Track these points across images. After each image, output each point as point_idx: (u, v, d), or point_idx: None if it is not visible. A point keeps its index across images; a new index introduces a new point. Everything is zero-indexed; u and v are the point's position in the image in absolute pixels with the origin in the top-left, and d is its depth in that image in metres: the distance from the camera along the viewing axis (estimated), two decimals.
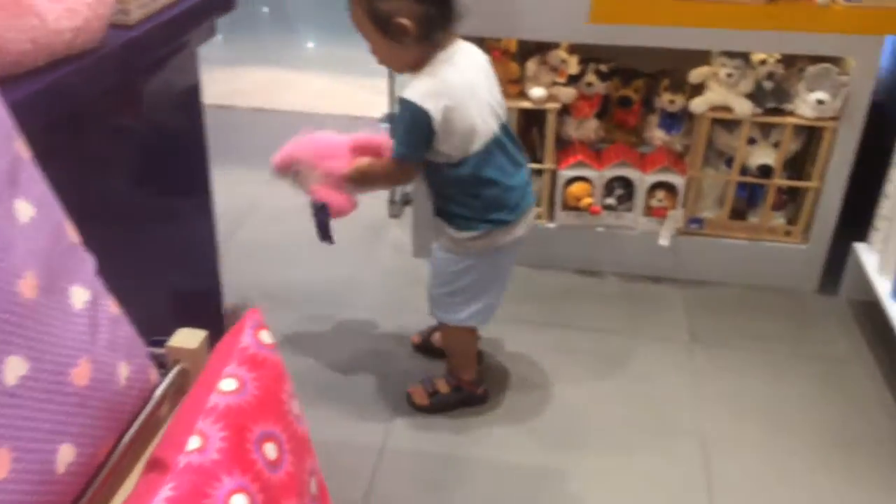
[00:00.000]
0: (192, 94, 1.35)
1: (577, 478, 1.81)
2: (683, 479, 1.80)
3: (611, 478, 1.81)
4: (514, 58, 2.34)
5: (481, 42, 2.29)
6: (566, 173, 2.44)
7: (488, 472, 1.81)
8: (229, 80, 3.81)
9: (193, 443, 0.77)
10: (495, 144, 1.68)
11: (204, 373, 0.86)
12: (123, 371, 0.91)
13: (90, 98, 0.98)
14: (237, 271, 2.43)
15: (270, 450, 0.82)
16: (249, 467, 0.78)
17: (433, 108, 1.59)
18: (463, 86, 1.63)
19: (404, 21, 1.54)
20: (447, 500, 1.75)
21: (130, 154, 1.22)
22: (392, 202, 2.83)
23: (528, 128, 2.49)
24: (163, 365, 1.02)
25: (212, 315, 1.66)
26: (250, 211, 2.83)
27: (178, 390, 0.94)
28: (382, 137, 1.79)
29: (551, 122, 2.38)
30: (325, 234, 1.78)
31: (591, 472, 1.82)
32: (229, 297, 2.12)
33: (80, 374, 0.84)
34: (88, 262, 0.92)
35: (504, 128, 1.72)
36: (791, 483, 1.80)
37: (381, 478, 1.79)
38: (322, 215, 1.77)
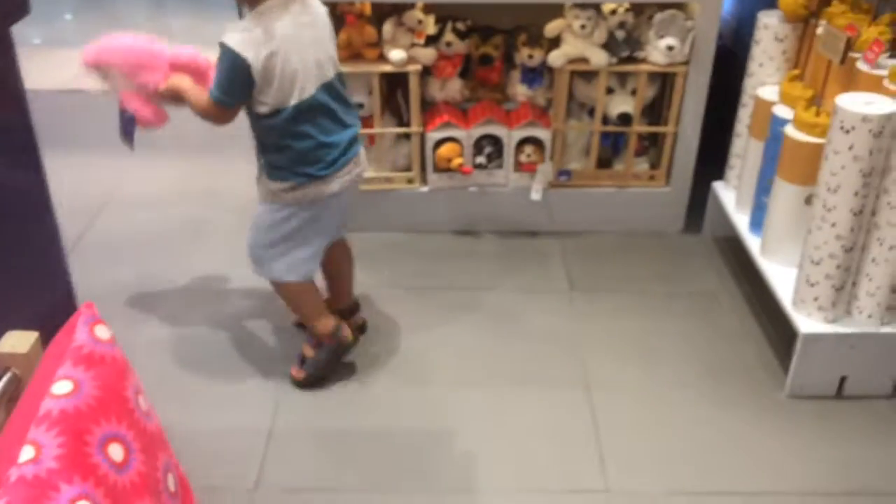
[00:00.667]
0: (7, 80, 1.24)
1: (466, 432, 1.82)
2: (570, 423, 1.85)
3: (500, 430, 1.83)
4: (371, 21, 2.30)
5: (334, 7, 2.25)
6: (434, 135, 2.42)
7: (378, 443, 1.80)
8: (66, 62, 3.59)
9: (26, 453, 0.72)
10: (315, 101, 1.68)
11: (35, 377, 0.81)
12: None
13: None
14: (98, 267, 2.32)
15: (116, 451, 0.78)
16: (91, 472, 0.73)
17: (252, 56, 1.59)
18: (287, 38, 1.61)
19: None
20: (338, 478, 1.73)
21: None
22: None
23: (391, 92, 2.46)
24: None
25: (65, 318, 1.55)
26: (107, 200, 2.69)
27: (11, 398, 0.87)
28: (206, 61, 1.76)
29: (414, 84, 2.35)
30: (128, 139, 1.80)
31: (480, 427, 1.84)
32: (90, 297, 2.01)
33: None
34: None
35: (330, 86, 1.71)
36: (671, 416, 1.87)
37: (270, 462, 1.76)
38: (129, 125, 1.77)
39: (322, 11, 1.73)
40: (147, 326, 2.14)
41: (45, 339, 0.93)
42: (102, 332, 0.86)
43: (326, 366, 1.93)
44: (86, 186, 2.72)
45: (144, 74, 1.73)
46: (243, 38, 1.60)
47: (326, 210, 1.80)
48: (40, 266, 1.47)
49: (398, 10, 2.31)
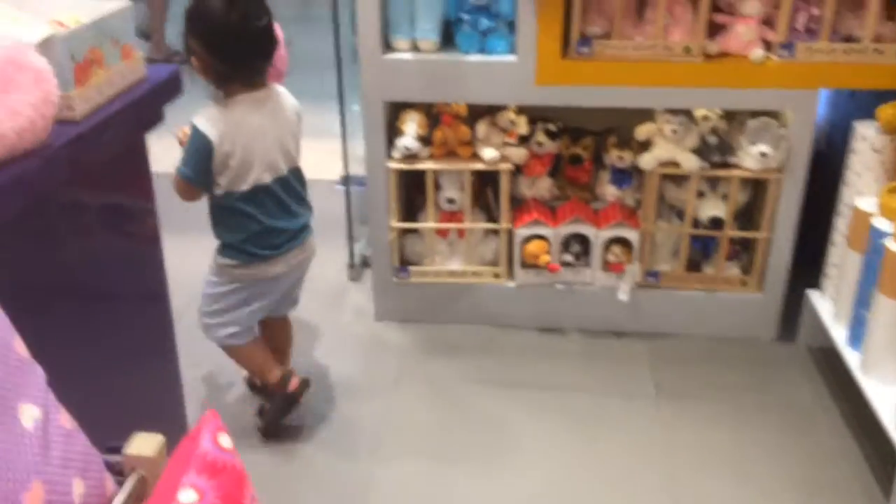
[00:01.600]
0: (141, 177, 1.32)
1: None
2: None
3: None
4: (465, 121, 2.37)
5: (431, 107, 2.34)
6: (522, 231, 2.45)
7: None
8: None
9: None
10: (267, 191, 1.81)
11: (161, 482, 0.84)
12: (78, 488, 0.87)
13: (36, 197, 0.95)
14: (194, 349, 2.38)
15: None
16: None
17: (216, 138, 1.72)
18: (251, 129, 1.75)
19: (195, 62, 1.72)
20: None
21: (78, 243, 1.18)
22: (351, 266, 2.81)
23: (482, 188, 2.51)
24: (120, 472, 0.99)
25: (174, 412, 1.61)
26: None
27: (138, 498, 0.90)
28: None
29: (505, 182, 2.40)
30: None
31: None
32: (189, 377, 2.07)
33: (34, 497, 0.80)
34: (38, 375, 0.89)
35: (284, 180, 1.85)
36: None
37: None
38: None
39: (292, 112, 1.87)
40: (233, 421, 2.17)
41: (148, 425, 0.97)
42: (225, 440, 0.89)
43: (276, 414, 2.03)
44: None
45: None
46: (210, 120, 1.73)
47: (268, 288, 1.93)
48: (156, 356, 1.52)
49: (492, 111, 2.37)
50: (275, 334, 2.13)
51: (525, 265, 2.49)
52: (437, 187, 2.43)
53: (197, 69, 1.73)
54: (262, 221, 1.84)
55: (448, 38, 2.27)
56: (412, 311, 2.56)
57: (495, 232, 2.48)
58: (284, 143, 1.84)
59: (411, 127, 2.34)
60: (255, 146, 1.76)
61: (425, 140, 2.37)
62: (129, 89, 1.17)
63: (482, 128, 2.36)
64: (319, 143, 3.65)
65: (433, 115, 2.37)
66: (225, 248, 1.90)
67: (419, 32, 2.24)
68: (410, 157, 2.37)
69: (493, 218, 2.49)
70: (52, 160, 0.96)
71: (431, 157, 2.38)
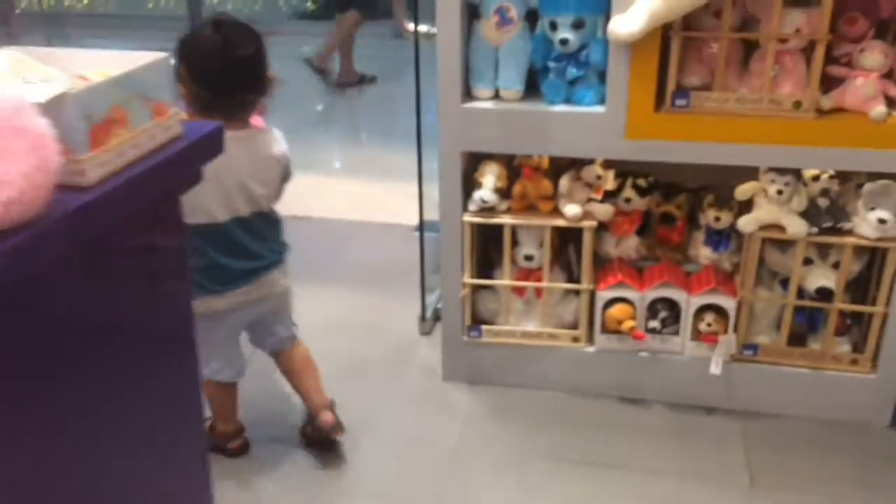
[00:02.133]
0: (175, 238, 1.21)
1: None
2: None
3: None
4: (547, 174, 2.21)
5: (511, 158, 2.20)
6: (605, 294, 2.27)
7: None
8: None
9: None
10: (222, 229, 1.82)
11: None
12: None
13: (25, 273, 0.85)
14: (257, 394, 2.30)
15: None
16: None
17: None
18: (210, 167, 1.69)
19: (182, 89, 1.71)
20: None
21: (96, 321, 1.09)
22: (423, 319, 2.68)
23: (563, 244, 2.34)
24: None
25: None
26: None
27: None
28: None
29: (588, 240, 2.23)
30: None
31: None
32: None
33: None
34: None
35: (243, 222, 1.85)
36: None
37: None
38: None
39: (270, 159, 1.86)
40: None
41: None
42: None
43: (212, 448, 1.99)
44: None
45: None
46: None
47: (218, 323, 1.90)
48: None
49: (576, 165, 2.21)
50: (287, 370, 2.12)
51: (607, 330, 2.30)
52: (515, 243, 2.28)
53: (183, 97, 1.73)
54: (209, 256, 1.83)
55: (533, 87, 2.13)
56: (483, 372, 2.40)
57: (576, 293, 2.31)
58: (248, 186, 1.83)
59: (490, 179, 2.20)
60: (208, 187, 1.67)
61: (504, 193, 2.23)
62: (159, 149, 1.07)
63: (565, 182, 2.20)
64: (396, 185, 3.62)
65: (513, 167, 2.23)
66: None
67: (502, 81, 2.11)
68: (487, 210, 2.23)
69: (573, 278, 2.32)
70: (45, 233, 0.86)
71: (510, 210, 2.24)
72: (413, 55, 2.40)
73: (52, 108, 0.90)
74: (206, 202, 1.77)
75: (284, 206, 3.46)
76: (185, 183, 1.17)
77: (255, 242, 1.89)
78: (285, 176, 1.95)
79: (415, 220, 2.75)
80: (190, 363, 1.30)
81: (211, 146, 1.15)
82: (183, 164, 1.11)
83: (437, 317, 2.68)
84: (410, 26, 2.32)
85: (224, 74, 1.72)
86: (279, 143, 1.90)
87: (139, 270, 1.14)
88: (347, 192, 3.80)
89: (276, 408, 2.31)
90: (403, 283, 2.76)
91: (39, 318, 0.97)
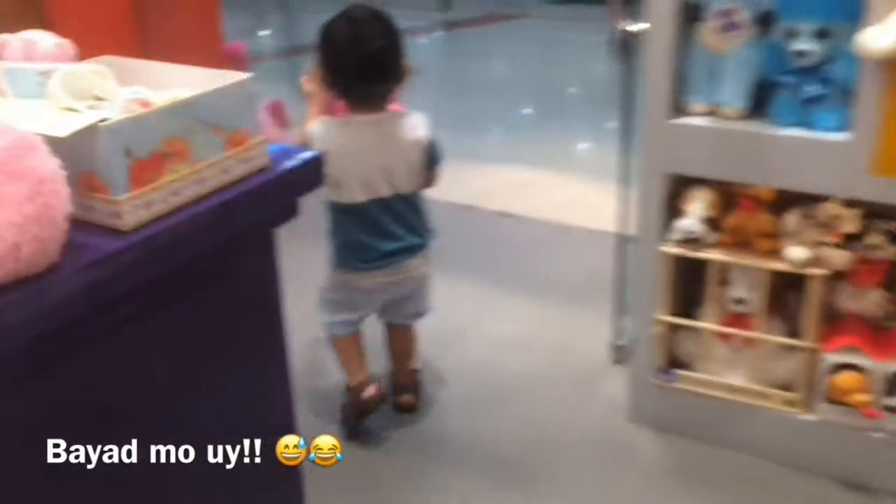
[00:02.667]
0: (262, 292, 1.09)
1: None
2: None
3: None
4: (770, 208, 1.86)
5: (726, 185, 1.88)
6: (833, 358, 1.88)
7: None
8: (476, 177, 3.66)
9: None
10: (361, 208, 1.87)
11: None
12: None
13: (36, 338, 0.77)
14: (438, 409, 2.22)
15: None
16: None
17: (320, 148, 1.75)
18: (347, 150, 1.81)
19: (320, 75, 1.83)
20: None
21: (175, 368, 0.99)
22: (617, 347, 2.42)
23: (783, 291, 1.97)
24: None
25: None
26: (459, 335, 2.57)
27: None
28: None
29: (816, 290, 1.85)
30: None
31: None
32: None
33: None
34: None
35: (384, 203, 1.88)
36: None
37: None
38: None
39: (410, 142, 1.87)
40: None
41: None
42: None
43: (351, 413, 2.06)
44: (442, 313, 2.65)
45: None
46: (318, 133, 1.84)
47: (359, 298, 2.01)
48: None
49: (808, 200, 1.83)
50: (393, 342, 2.17)
51: (831, 399, 1.91)
52: (724, 282, 1.96)
53: (323, 82, 1.83)
54: (352, 234, 1.91)
55: (758, 105, 1.79)
56: (674, 420, 2.12)
57: (795, 349, 1.94)
58: (389, 167, 1.86)
59: (698, 206, 1.90)
60: (351, 168, 1.81)
61: (714, 224, 1.91)
62: (236, 183, 0.96)
63: (792, 220, 1.84)
64: (601, 187, 3.33)
65: (728, 195, 1.90)
66: (331, 256, 2.01)
67: (723, 96, 1.79)
68: (692, 241, 1.92)
69: (794, 330, 1.95)
70: (47, 290, 0.77)
71: (719, 245, 1.92)
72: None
73: (81, 142, 0.80)
74: (347, 182, 1.84)
75: (491, 201, 3.39)
76: (276, 218, 1.04)
77: (395, 223, 1.91)
78: (430, 160, 1.93)
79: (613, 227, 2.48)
80: (284, 389, 1.19)
81: (307, 177, 1.02)
82: (266, 199, 0.98)
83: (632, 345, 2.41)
84: (626, 23, 2.04)
85: (355, 67, 1.77)
86: (418, 128, 1.90)
87: (212, 309, 1.03)
88: (558, 190, 3.58)
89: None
90: (603, 300, 2.52)
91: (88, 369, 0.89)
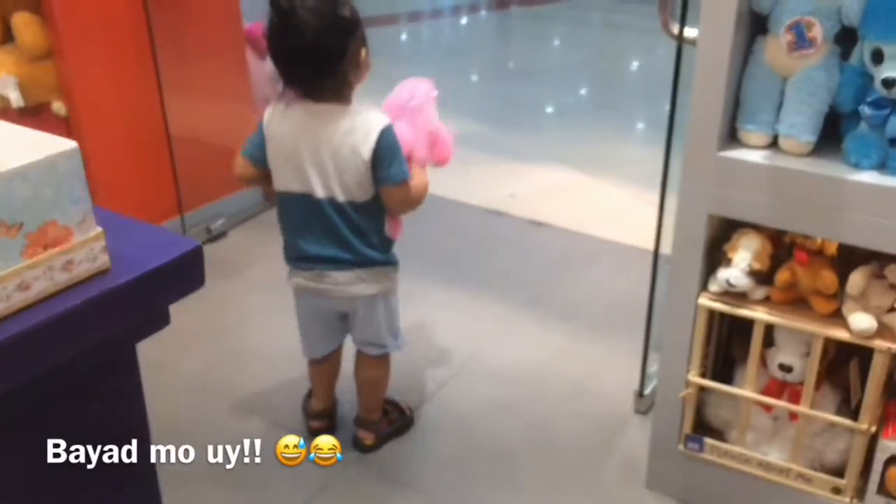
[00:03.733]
0: (121, 416, 0.82)
1: None
2: None
3: None
4: (832, 264, 1.55)
5: (780, 234, 1.57)
6: (893, 445, 1.57)
7: None
8: (508, 178, 3.36)
9: None
10: (292, 200, 1.73)
11: None
12: None
13: None
14: (421, 462, 1.94)
15: None
16: None
17: (265, 129, 1.73)
18: (282, 131, 1.70)
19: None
20: None
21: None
22: (640, 395, 2.13)
23: (840, 360, 1.67)
24: None
25: None
26: (465, 362, 2.30)
27: None
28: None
29: (880, 366, 1.54)
30: None
31: None
32: None
33: None
34: None
35: (318, 204, 1.70)
36: None
37: None
38: None
39: (347, 144, 1.66)
40: None
41: None
42: None
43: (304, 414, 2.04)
44: (453, 334, 2.38)
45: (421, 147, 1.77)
46: (268, 113, 1.73)
47: (298, 300, 1.87)
48: None
49: (881, 259, 1.51)
50: (355, 369, 1.98)
51: (886, 491, 1.61)
52: (769, 343, 1.66)
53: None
54: (283, 223, 1.79)
55: (830, 140, 1.46)
56: (699, 494, 1.85)
57: (849, 430, 1.63)
58: (322, 165, 1.68)
59: (744, 256, 1.59)
60: (282, 152, 1.71)
61: (762, 278, 1.60)
62: (48, 298, 0.68)
63: (858, 279, 1.53)
64: (644, 196, 3.00)
65: (782, 244, 1.59)
66: None
67: (786, 126, 1.48)
68: (735, 296, 1.62)
69: (849, 407, 1.64)
70: None
71: (768, 301, 1.61)
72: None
73: None
74: (278, 167, 1.72)
75: (522, 207, 3.09)
76: (124, 337, 0.76)
77: (323, 231, 1.74)
78: (379, 176, 1.68)
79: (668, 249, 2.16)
80: None
81: (174, 278, 0.74)
82: (98, 320, 0.70)
83: None
84: (675, 27, 1.72)
85: (282, 63, 1.67)
86: (367, 133, 1.66)
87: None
88: (597, 197, 3.26)
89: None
90: (632, 331, 2.24)
91: None
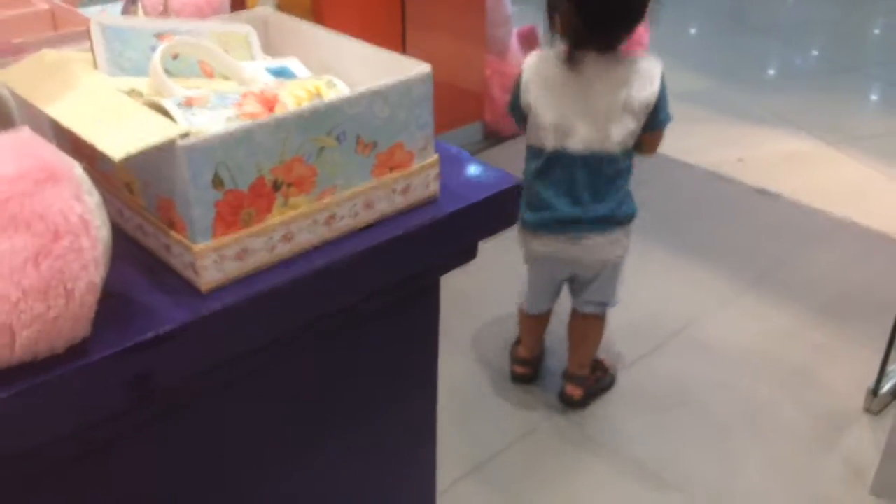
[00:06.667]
0: (412, 365, 0.82)
1: None
2: None
3: None
4: None
5: None
6: None
7: None
8: (738, 140, 3.15)
9: None
10: (549, 157, 1.67)
11: None
12: None
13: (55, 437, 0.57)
14: (610, 422, 1.90)
15: None
16: None
17: (525, 77, 1.67)
18: (550, 82, 1.65)
19: (558, 18, 1.63)
20: None
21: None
22: (874, 393, 1.95)
23: None
24: None
25: None
26: (674, 334, 2.19)
27: None
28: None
29: None
30: None
31: None
32: None
33: None
34: None
35: (577, 158, 1.65)
36: None
37: None
38: None
39: (627, 94, 1.61)
40: None
41: None
42: None
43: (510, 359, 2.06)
44: (668, 302, 2.29)
45: None
46: (530, 59, 1.69)
47: (533, 262, 1.84)
48: None
49: None
50: (571, 328, 1.95)
51: None
52: None
53: (557, 26, 1.63)
54: (533, 184, 1.71)
55: None
56: None
57: None
58: (593, 116, 1.63)
59: None
60: (545, 104, 1.64)
61: None
62: (384, 223, 0.68)
63: None
64: (892, 175, 2.71)
65: None
66: None
67: None
68: None
69: None
70: (73, 380, 0.54)
71: None
72: None
73: (156, 156, 0.55)
74: (538, 119, 1.64)
75: (750, 173, 2.87)
76: (437, 269, 0.76)
77: (582, 187, 1.67)
78: (650, 123, 1.65)
79: None
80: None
81: (493, 214, 0.72)
82: (426, 246, 0.69)
83: (895, 394, 1.94)
84: None
85: (604, 10, 1.58)
86: (646, 81, 1.62)
87: (338, 380, 0.78)
88: (836, 170, 3.00)
89: None
90: (870, 322, 2.07)
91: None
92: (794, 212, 2.70)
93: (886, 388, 1.94)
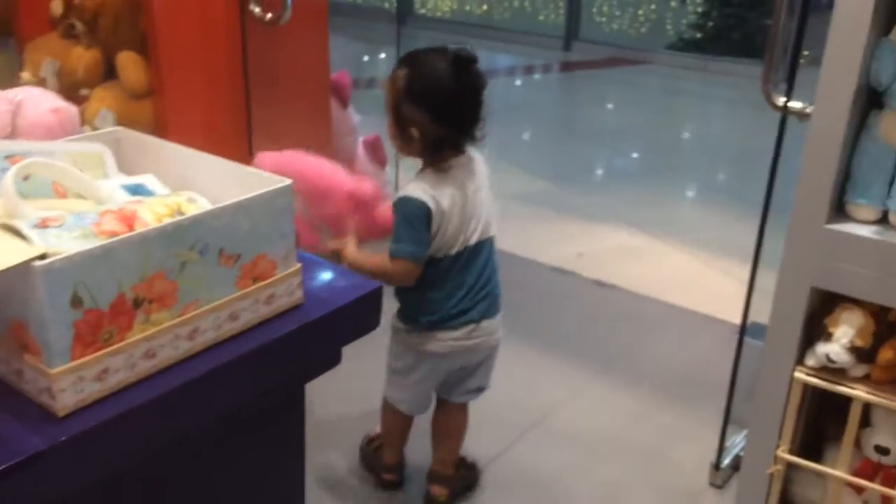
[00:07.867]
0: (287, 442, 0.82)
1: None
2: None
3: None
4: None
5: (885, 311, 1.53)
6: None
7: None
8: (575, 237, 3.34)
9: None
10: (454, 259, 1.72)
11: None
12: None
13: None
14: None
15: None
16: None
17: (431, 203, 1.66)
18: (455, 197, 1.68)
19: (415, 132, 1.65)
20: None
21: None
22: (716, 467, 2.07)
23: None
24: None
25: None
26: (534, 425, 2.25)
27: None
28: (377, 195, 1.76)
29: None
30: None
31: None
32: None
33: None
34: None
35: (474, 250, 1.73)
36: None
37: None
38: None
39: (484, 171, 1.76)
40: None
41: None
42: None
43: (366, 465, 2.04)
44: (524, 396, 2.35)
45: (319, 204, 1.72)
46: (420, 189, 1.67)
47: (424, 365, 1.81)
48: None
49: None
50: (440, 421, 1.96)
51: None
52: (866, 423, 1.60)
53: (410, 140, 1.68)
54: (432, 287, 1.73)
55: None
56: None
57: None
58: (477, 210, 1.73)
59: (846, 331, 1.56)
60: (455, 216, 1.69)
61: (863, 355, 1.56)
62: (249, 333, 0.69)
63: None
64: (711, 262, 2.96)
65: (884, 322, 1.55)
66: (406, 310, 1.81)
67: None
68: (833, 371, 1.58)
69: None
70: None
71: (867, 380, 1.57)
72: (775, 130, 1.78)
73: (9, 279, 0.55)
74: (452, 233, 1.69)
75: (589, 267, 3.06)
76: (303, 375, 0.77)
77: (479, 277, 1.74)
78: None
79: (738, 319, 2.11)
80: None
81: (359, 317, 0.74)
82: (292, 353, 0.71)
83: (736, 466, 2.06)
84: (779, 99, 1.71)
85: (468, 112, 1.68)
86: (482, 161, 1.78)
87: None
88: (664, 261, 3.23)
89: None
90: (707, 399, 2.19)
91: None
92: (630, 301, 2.89)
93: (727, 461, 2.07)
